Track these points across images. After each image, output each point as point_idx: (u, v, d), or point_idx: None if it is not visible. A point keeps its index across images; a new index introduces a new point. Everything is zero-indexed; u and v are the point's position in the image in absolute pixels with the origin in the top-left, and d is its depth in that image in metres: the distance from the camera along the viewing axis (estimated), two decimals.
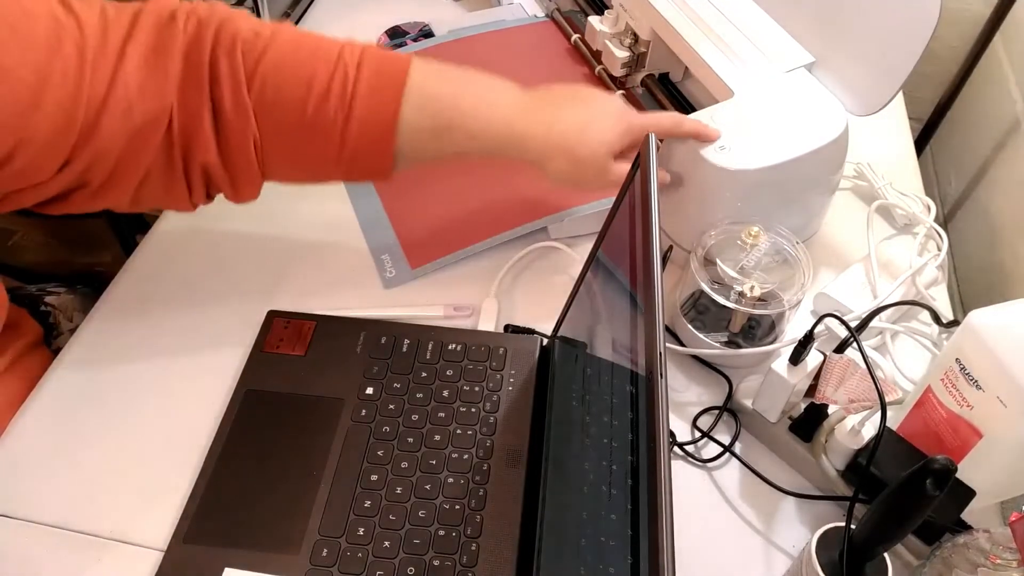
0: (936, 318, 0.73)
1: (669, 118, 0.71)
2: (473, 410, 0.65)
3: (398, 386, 0.67)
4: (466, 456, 0.63)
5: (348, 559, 0.57)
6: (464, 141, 0.63)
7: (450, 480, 0.61)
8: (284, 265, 0.78)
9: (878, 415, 0.56)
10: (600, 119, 0.65)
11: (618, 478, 0.44)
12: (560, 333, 0.68)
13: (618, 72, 0.91)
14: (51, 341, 0.84)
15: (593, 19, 0.93)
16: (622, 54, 0.89)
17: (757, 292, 0.66)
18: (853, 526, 0.52)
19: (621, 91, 0.90)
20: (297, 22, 1.07)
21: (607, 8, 0.92)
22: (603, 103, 0.67)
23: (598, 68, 0.94)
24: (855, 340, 0.59)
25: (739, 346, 0.70)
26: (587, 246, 0.63)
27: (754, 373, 0.69)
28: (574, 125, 0.64)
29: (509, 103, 0.65)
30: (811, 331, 0.60)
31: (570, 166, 0.65)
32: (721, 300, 0.66)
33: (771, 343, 0.70)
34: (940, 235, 0.80)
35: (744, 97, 0.74)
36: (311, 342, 0.69)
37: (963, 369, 0.56)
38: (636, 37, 0.88)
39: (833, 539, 0.53)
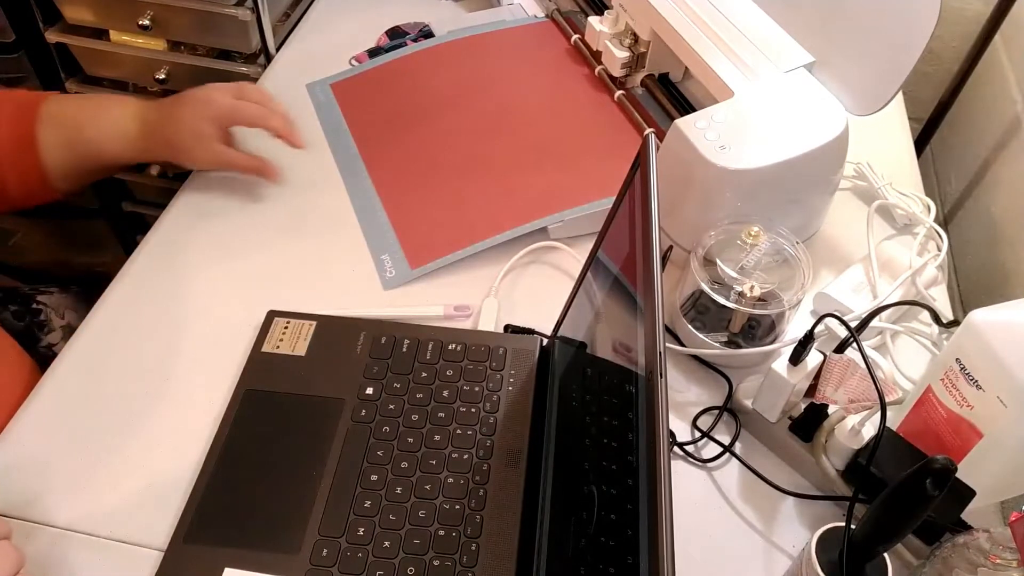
0: (936, 318, 0.73)
1: (255, 111, 0.79)
2: (473, 410, 0.65)
3: (398, 386, 0.67)
4: (466, 456, 0.63)
5: (348, 559, 0.57)
6: (95, 149, 0.76)
7: (450, 480, 0.61)
8: (284, 265, 0.78)
9: (878, 415, 0.56)
10: (192, 116, 0.77)
11: (618, 478, 0.44)
12: (560, 333, 0.68)
13: (618, 72, 0.91)
14: (41, 337, 0.85)
15: (593, 19, 0.93)
16: (622, 54, 0.89)
17: (757, 292, 0.66)
18: (853, 526, 0.52)
19: (621, 91, 0.90)
20: (297, 23, 1.07)
21: (607, 8, 0.92)
22: (193, 98, 0.78)
23: (598, 68, 0.94)
24: (855, 340, 0.59)
25: (739, 346, 0.70)
26: (587, 246, 0.63)
27: (754, 373, 0.69)
28: (175, 124, 0.77)
29: (127, 114, 0.77)
30: (811, 331, 0.60)
31: (187, 159, 0.79)
32: (721, 300, 0.66)
33: (771, 343, 0.70)
34: (940, 235, 0.80)
35: (744, 97, 0.74)
36: (311, 342, 0.69)
37: (963, 369, 0.56)
38: (636, 37, 0.88)
39: (833, 539, 0.53)
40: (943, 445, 0.59)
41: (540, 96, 0.93)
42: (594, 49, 0.94)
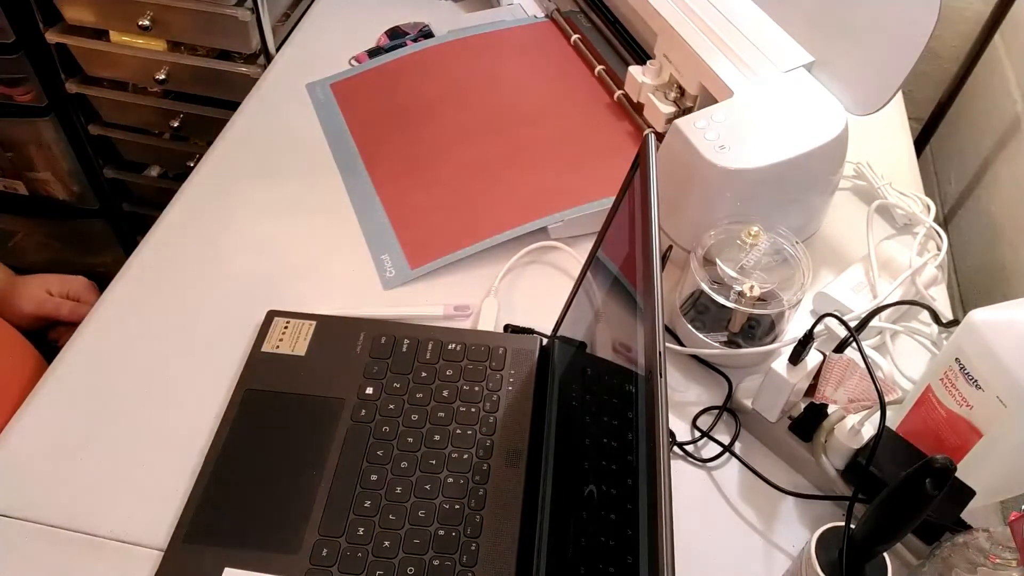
0: (936, 318, 0.73)
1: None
2: (473, 410, 0.65)
3: (398, 386, 0.67)
4: (466, 456, 0.63)
5: (348, 559, 0.57)
6: None
7: (450, 480, 0.61)
8: (284, 265, 0.78)
9: (878, 415, 0.56)
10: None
11: (618, 478, 0.44)
12: (560, 333, 0.68)
13: (662, 128, 0.84)
14: (47, 338, 0.85)
15: (634, 70, 0.86)
16: (667, 109, 0.83)
17: (757, 292, 0.66)
18: (853, 526, 0.52)
19: (621, 91, 0.90)
20: (297, 23, 1.07)
21: (611, 13, 0.91)
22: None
23: (598, 68, 0.94)
24: (855, 340, 0.59)
25: (739, 346, 0.70)
26: (587, 246, 0.63)
27: (754, 373, 0.69)
28: None
29: None
30: (811, 331, 0.60)
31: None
32: (721, 300, 0.66)
33: (771, 343, 0.70)
34: (940, 235, 0.80)
35: (744, 97, 0.74)
36: (311, 342, 0.69)
37: (963, 369, 0.56)
38: (682, 91, 0.83)
39: (833, 539, 0.53)
40: (943, 445, 0.59)
41: (540, 96, 0.93)
42: (636, 101, 0.88)
